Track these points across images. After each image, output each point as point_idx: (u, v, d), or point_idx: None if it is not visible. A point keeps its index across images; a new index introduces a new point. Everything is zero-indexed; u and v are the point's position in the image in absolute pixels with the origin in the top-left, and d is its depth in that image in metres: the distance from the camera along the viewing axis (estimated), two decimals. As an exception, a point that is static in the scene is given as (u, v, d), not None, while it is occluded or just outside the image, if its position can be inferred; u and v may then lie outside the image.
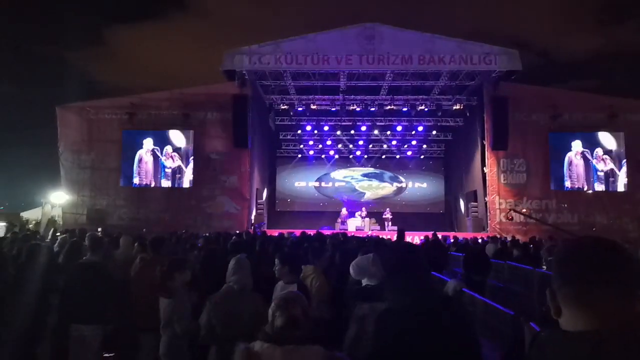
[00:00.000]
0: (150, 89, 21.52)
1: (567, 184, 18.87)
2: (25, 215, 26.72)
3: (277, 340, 2.04)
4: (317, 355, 2.03)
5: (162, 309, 3.72)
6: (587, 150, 18.94)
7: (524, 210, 18.33)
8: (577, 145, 18.94)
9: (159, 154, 19.32)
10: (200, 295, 3.85)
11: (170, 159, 19.33)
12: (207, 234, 10.98)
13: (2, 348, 4.34)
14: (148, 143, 19.36)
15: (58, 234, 12.41)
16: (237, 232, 13.08)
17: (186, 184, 19.28)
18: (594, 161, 18.93)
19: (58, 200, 20.53)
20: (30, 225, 19.54)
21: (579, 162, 18.92)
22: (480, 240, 13.34)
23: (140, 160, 19.33)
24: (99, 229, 13.94)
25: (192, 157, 19.27)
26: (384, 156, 25.73)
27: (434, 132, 23.90)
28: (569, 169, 18.89)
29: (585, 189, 18.87)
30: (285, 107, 20.88)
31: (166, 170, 19.32)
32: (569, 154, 18.92)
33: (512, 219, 17.97)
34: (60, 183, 19.69)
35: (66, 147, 19.32)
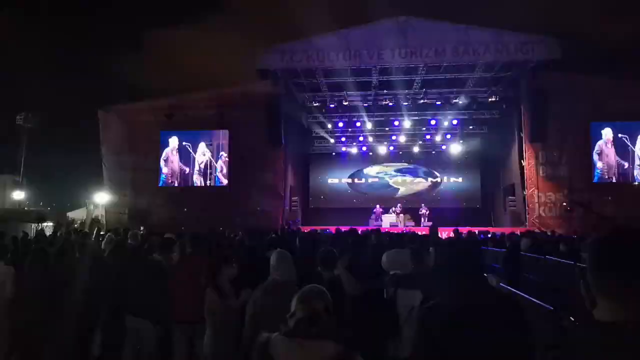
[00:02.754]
0: (186, 90, 21.99)
1: (598, 171, 18.17)
2: (71, 215, 27.94)
3: (294, 332, 2.08)
4: (329, 349, 2.04)
5: (208, 303, 3.83)
6: (625, 136, 18.17)
7: (564, 203, 17.74)
8: (607, 134, 18.20)
9: (190, 150, 19.82)
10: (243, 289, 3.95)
11: (202, 154, 19.81)
12: (242, 232, 11.18)
13: (55, 342, 4.56)
14: (173, 142, 19.89)
15: (102, 232, 12.93)
16: (275, 230, 13.26)
17: (219, 178, 19.71)
18: (638, 149, 18.14)
19: (101, 200, 21.38)
20: (76, 225, 20.43)
21: (609, 152, 18.18)
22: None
23: (166, 160, 19.89)
24: (142, 228, 14.41)
25: (222, 153, 19.68)
26: (417, 151, 25.43)
27: (471, 126, 23.44)
28: (600, 158, 18.19)
29: (613, 180, 18.13)
30: (318, 104, 20.97)
31: (199, 165, 19.80)
32: (599, 143, 18.19)
33: (571, 209, 17.34)
34: (103, 184, 20.48)
35: (108, 149, 20.07)
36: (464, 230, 12.86)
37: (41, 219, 21.05)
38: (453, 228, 15.22)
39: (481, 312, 1.91)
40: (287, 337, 2.08)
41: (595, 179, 18.16)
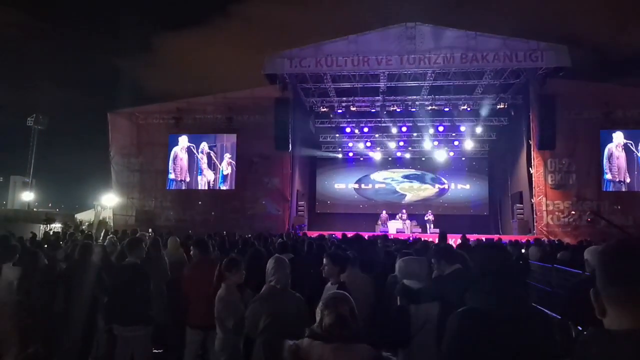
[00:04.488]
0: (195, 94, 22.19)
1: (608, 176, 18.02)
2: (79, 216, 28.19)
3: (326, 337, 2.09)
4: (364, 353, 2.07)
5: (218, 304, 3.83)
6: (630, 142, 18.03)
7: (572, 212, 17.58)
8: (618, 137, 18.07)
9: (194, 151, 19.93)
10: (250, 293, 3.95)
11: (205, 156, 19.91)
12: (249, 235, 11.21)
13: (60, 342, 4.57)
14: (183, 141, 20.05)
15: (110, 235, 12.99)
16: (282, 234, 13.26)
17: (222, 180, 19.82)
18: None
19: (109, 202, 21.55)
20: (84, 227, 20.59)
21: (620, 155, 18.05)
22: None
23: (175, 158, 20.03)
24: (150, 230, 14.48)
25: (227, 154, 19.78)
26: (424, 157, 25.40)
27: (478, 132, 23.37)
28: (609, 162, 18.04)
29: (627, 181, 17.97)
30: (326, 109, 21.01)
31: (202, 167, 19.92)
32: (609, 146, 18.05)
33: (591, 220, 17.19)
34: (111, 186, 20.63)
35: (117, 151, 20.22)
36: (471, 237, 12.78)
37: (50, 220, 21.25)
38: (460, 235, 15.17)
39: (519, 321, 1.89)
40: (321, 342, 2.10)
41: (606, 187, 17.99)
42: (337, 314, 2.14)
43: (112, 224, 19.81)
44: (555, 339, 1.95)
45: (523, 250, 10.13)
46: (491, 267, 2.07)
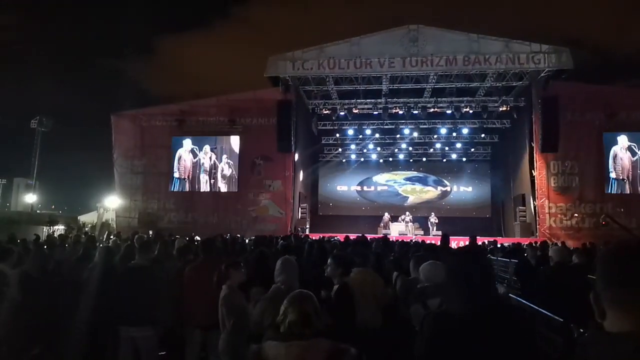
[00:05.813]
0: (198, 96, 22.30)
1: (613, 175, 18.09)
2: (82, 218, 28.27)
3: (287, 336, 2.11)
4: (322, 347, 2.08)
5: (222, 302, 3.85)
6: (633, 144, 18.09)
7: (575, 215, 17.53)
8: (622, 140, 18.20)
9: (197, 152, 20.05)
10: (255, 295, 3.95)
11: (207, 157, 20.06)
12: (252, 237, 11.22)
13: (63, 345, 4.57)
14: (187, 143, 20.29)
15: (112, 237, 13.03)
16: (284, 236, 13.27)
17: (221, 181, 19.97)
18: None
19: (112, 204, 21.60)
20: (86, 229, 20.64)
21: (624, 156, 18.17)
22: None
23: (179, 158, 20.25)
24: (150, 232, 14.50)
25: (224, 155, 19.99)
26: (426, 159, 25.38)
27: (481, 135, 23.36)
28: (614, 162, 18.11)
29: (628, 184, 17.97)
30: (328, 111, 21.04)
31: (204, 167, 20.11)
32: (614, 148, 18.16)
33: (606, 224, 17.11)
34: (114, 188, 20.68)
35: (120, 153, 20.28)
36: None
37: (53, 222, 21.31)
38: (463, 238, 15.15)
39: (490, 322, 1.89)
40: (281, 340, 2.11)
41: (611, 186, 17.99)
42: (300, 312, 2.15)
43: (115, 226, 19.86)
44: (530, 337, 1.96)
45: (526, 254, 10.12)
46: (461, 271, 2.08)
